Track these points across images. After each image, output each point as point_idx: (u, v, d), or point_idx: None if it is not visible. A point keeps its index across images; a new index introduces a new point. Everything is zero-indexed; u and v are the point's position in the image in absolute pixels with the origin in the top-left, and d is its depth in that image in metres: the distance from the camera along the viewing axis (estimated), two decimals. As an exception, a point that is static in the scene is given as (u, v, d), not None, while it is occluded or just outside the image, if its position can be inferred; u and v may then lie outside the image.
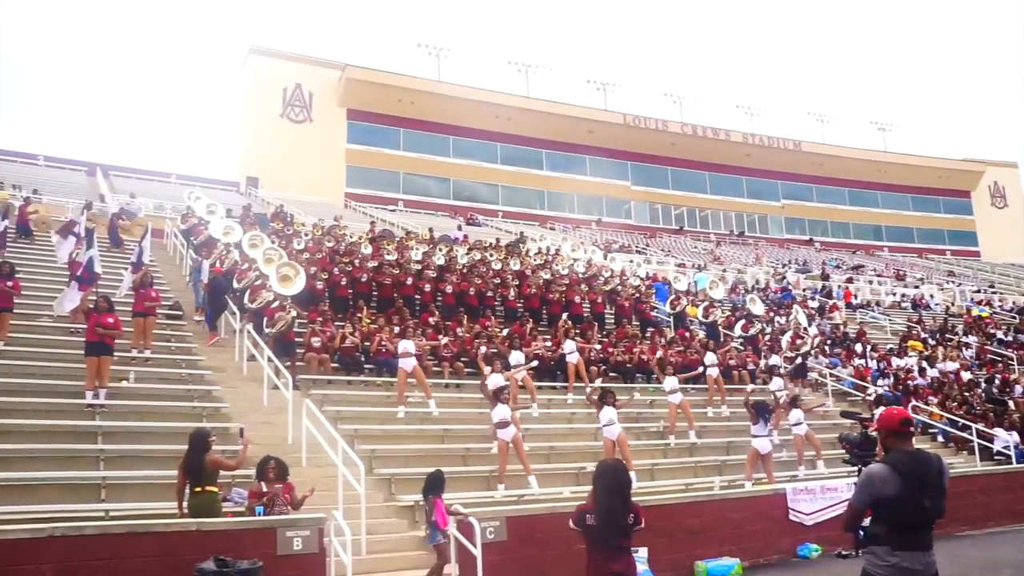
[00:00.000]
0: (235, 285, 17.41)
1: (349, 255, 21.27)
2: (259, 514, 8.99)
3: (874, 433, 12.98)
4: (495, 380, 14.38)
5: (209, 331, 17.05)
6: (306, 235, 23.66)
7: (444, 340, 17.30)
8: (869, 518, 5.13)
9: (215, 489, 9.05)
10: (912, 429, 5.33)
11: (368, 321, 17.74)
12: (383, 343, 16.35)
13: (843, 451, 15.57)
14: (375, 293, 20.25)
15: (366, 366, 16.39)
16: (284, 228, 24.61)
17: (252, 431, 10.70)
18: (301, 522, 8.77)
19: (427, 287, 20.45)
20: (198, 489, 8.86)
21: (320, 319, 16.85)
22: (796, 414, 16.20)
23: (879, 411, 8.14)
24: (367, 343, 16.56)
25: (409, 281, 20.29)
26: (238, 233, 20.75)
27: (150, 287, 15.42)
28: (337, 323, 17.28)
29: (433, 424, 14.45)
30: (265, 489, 9.25)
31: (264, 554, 8.16)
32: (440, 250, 24.05)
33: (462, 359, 17.47)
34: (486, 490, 12.47)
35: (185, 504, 8.86)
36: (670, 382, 16.60)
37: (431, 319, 18.71)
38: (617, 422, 13.78)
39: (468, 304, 20.57)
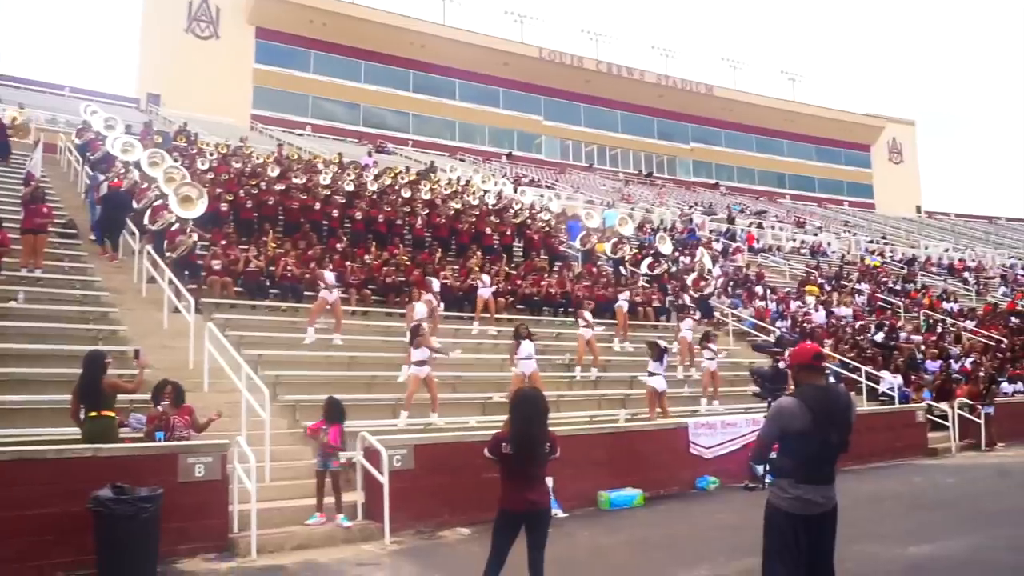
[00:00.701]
0: (134, 205, 16.62)
1: (255, 177, 20.57)
2: (159, 440, 8.67)
3: (785, 367, 13.42)
4: (419, 310, 14.36)
5: (99, 246, 16.30)
6: (211, 155, 22.78)
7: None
8: (775, 453, 5.17)
9: (112, 414, 8.68)
10: (824, 364, 5.37)
11: (274, 245, 17.24)
12: (288, 268, 15.94)
13: (753, 385, 15.99)
14: (281, 217, 19.73)
15: (271, 291, 16.00)
16: (187, 147, 23.63)
17: (151, 355, 10.32)
18: (203, 448, 8.52)
19: (335, 212, 20.03)
20: (94, 413, 8.48)
21: (224, 242, 16.30)
22: (710, 351, 16.67)
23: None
24: (272, 268, 16.12)
25: (317, 206, 19.84)
26: (138, 151, 19.78)
27: (41, 203, 14.58)
28: (241, 246, 16.75)
29: (339, 351, 14.25)
30: (167, 413, 8.92)
31: (165, 481, 7.90)
32: (349, 175, 23.51)
33: (369, 286, 17.23)
34: (391, 418, 12.39)
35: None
36: (583, 320, 16.74)
37: (339, 245, 18.34)
38: (534, 356, 13.79)
39: (377, 231, 20.27)
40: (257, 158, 24.12)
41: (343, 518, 9.14)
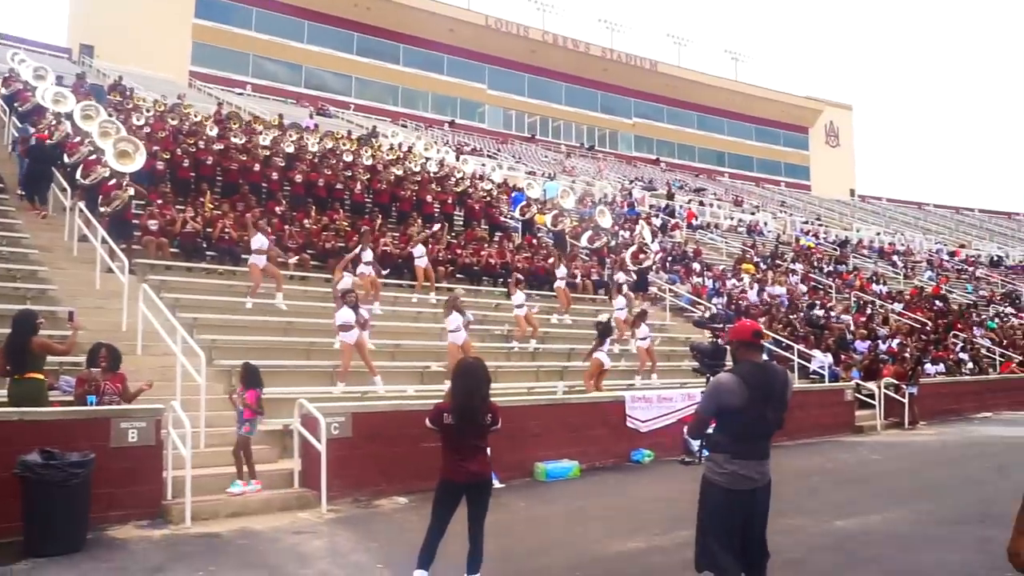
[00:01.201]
0: (66, 160, 16.06)
1: (193, 136, 20.07)
2: (91, 403, 8.44)
3: (724, 343, 13.61)
4: (345, 283, 14.17)
5: (28, 202, 15.75)
6: (147, 111, 22.14)
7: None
8: (713, 426, 5.20)
9: (41, 376, 8.42)
10: (762, 342, 5.40)
11: (211, 206, 16.90)
12: (226, 230, 15.62)
13: (692, 360, 16.20)
14: (219, 178, 19.36)
15: (208, 253, 15.69)
16: (123, 102, 22.91)
17: (83, 316, 10.02)
18: (137, 412, 8.32)
19: (274, 175, 19.73)
20: (19, 376, 8.21)
21: (160, 201, 15.88)
22: (644, 329, 16.83)
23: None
24: (209, 229, 15.80)
25: (256, 167, 19.47)
26: (71, 103, 19.07)
27: (-35, 154, 14.01)
28: (178, 207, 16.35)
29: (276, 316, 14.07)
30: (96, 377, 8.67)
31: (96, 446, 7.70)
32: (290, 137, 23.11)
33: (309, 251, 17.03)
34: (329, 385, 12.30)
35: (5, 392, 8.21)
36: (519, 297, 16.74)
37: (277, 208, 18.06)
38: (464, 329, 13.76)
39: (316, 195, 20.03)
40: (195, 116, 23.50)
41: (252, 484, 9.00)
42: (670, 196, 44.14)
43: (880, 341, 23.59)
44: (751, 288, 26.04)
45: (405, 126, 49.76)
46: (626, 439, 13.12)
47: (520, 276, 17.72)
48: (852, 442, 16.30)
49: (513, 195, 27.44)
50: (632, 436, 13.21)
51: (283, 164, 20.43)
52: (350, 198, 21.17)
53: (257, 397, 9.13)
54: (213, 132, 21.13)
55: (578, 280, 21.06)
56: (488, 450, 6.00)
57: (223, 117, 25.61)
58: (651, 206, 39.70)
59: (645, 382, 16.53)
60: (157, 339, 10.90)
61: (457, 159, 31.82)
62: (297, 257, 16.57)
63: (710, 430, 5.22)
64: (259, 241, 14.35)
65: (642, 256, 23.27)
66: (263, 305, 14.23)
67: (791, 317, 23.10)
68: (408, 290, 17.65)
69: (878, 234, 47.45)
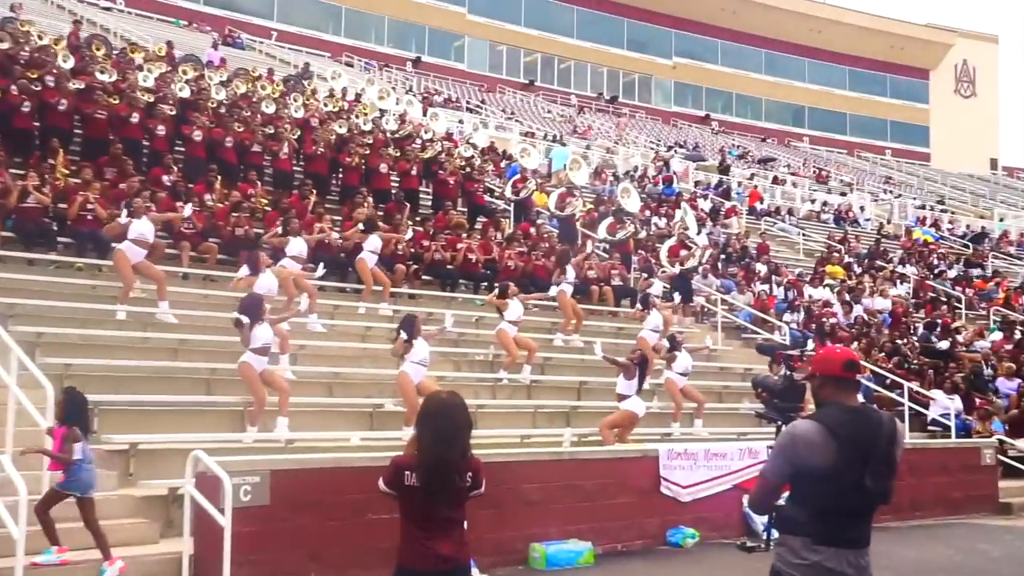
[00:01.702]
0: None
1: (38, 67, 19.93)
2: None
3: (802, 378, 13.50)
4: (265, 283, 14.23)
5: None
6: (-42, 29, 21.99)
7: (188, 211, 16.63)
8: (786, 495, 5.16)
9: None
10: (859, 377, 5.36)
11: (65, 172, 16.81)
12: (89, 206, 15.51)
13: (754, 402, 16.15)
14: (79, 130, 19.29)
15: (60, 240, 15.66)
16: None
17: None
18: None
19: (162, 129, 19.65)
20: None
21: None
22: (685, 360, 16.85)
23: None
24: (63, 205, 15.70)
25: (135, 118, 19.34)
26: None
27: None
28: (13, 171, 16.24)
29: (162, 332, 14.03)
30: None
31: None
32: (184, 75, 23.02)
33: (212, 239, 16.98)
34: (239, 430, 12.25)
35: None
36: (515, 309, 16.71)
37: (166, 177, 18.00)
38: (426, 362, 13.69)
39: (222, 159, 19.99)
40: (40, 38, 23.36)
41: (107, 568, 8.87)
42: (724, 169, 44.26)
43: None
44: (840, 301, 26.05)
45: (351, 65, 49.78)
46: (660, 512, 13.07)
47: (513, 285, 17.64)
48: (995, 526, 16.17)
49: (505, 166, 27.46)
50: (669, 508, 13.15)
51: (174, 114, 20.35)
52: (272, 165, 21.04)
53: (66, 437, 8.87)
54: (68, 64, 20.94)
55: (594, 287, 21.05)
56: (465, 525, 5.93)
57: (82, 42, 25.45)
58: (697, 183, 39.80)
59: (686, 431, 16.50)
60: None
61: (424, 113, 31.81)
62: (194, 248, 16.52)
63: (781, 501, 5.18)
64: (138, 230, 14.20)
65: (684, 253, 23.28)
66: (142, 316, 14.17)
67: (899, 343, 23.11)
68: (353, 296, 17.61)
69: (1032, 223, 47.56)
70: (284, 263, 15.70)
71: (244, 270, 15.17)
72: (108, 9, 45.89)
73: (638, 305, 20.70)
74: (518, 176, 25.71)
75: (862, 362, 21.33)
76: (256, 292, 13.50)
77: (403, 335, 13.41)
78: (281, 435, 12.32)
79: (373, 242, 17.49)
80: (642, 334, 18.17)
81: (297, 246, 16.16)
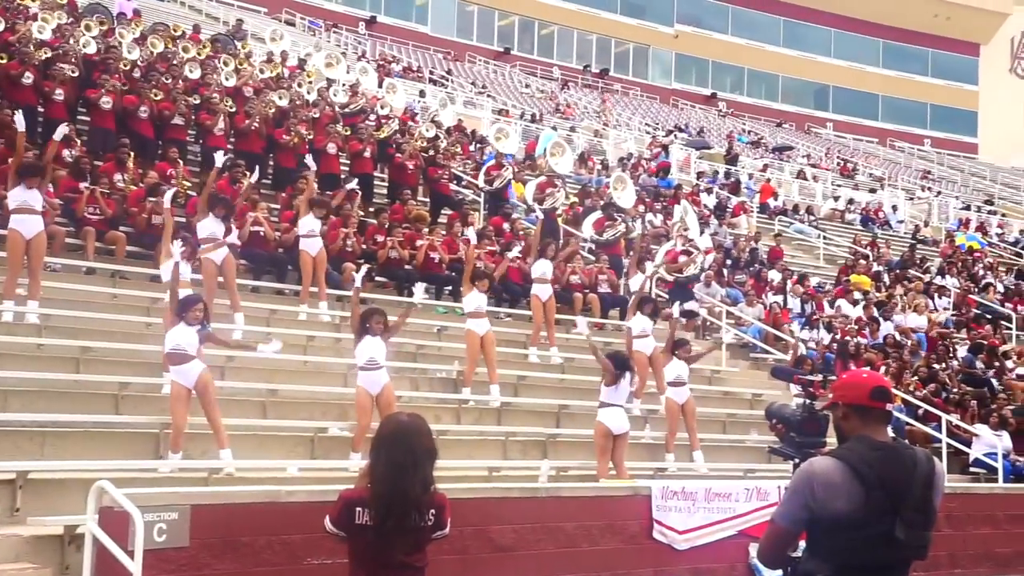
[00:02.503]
0: None
1: None
2: None
3: (823, 409, 13.48)
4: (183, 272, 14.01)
5: None
6: None
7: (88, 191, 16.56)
8: (803, 545, 5.16)
9: None
10: (889, 407, 5.29)
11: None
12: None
13: (769, 433, 16.14)
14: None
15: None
16: None
17: None
18: None
19: (60, 93, 19.64)
20: None
21: None
22: (677, 368, 16.72)
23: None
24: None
25: (28, 78, 19.35)
26: None
27: None
28: None
29: (62, 337, 14.01)
30: None
31: None
32: (89, 30, 22.92)
33: (122, 227, 16.98)
34: (154, 457, 12.18)
35: None
36: (474, 300, 16.65)
37: (66, 151, 17.92)
38: (383, 364, 13.65)
39: (136, 132, 20.01)
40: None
41: None
42: (732, 158, 44.44)
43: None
44: (867, 317, 26.14)
45: (292, 24, 49.72)
46: (653, 560, 13.13)
47: (483, 270, 17.65)
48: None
49: (475, 149, 27.46)
50: (663, 556, 13.20)
51: (76, 75, 20.33)
52: (198, 140, 21.09)
53: None
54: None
55: (578, 293, 21.07)
56: (425, 573, 5.91)
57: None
58: (700, 174, 39.93)
59: (684, 466, 16.51)
60: None
61: (380, 85, 31.79)
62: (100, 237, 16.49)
63: (798, 553, 5.19)
64: (20, 196, 14.12)
65: (684, 258, 23.31)
66: (37, 316, 14.09)
67: (936, 367, 23.20)
68: (292, 299, 17.66)
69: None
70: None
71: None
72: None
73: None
74: (492, 163, 25.71)
75: (893, 390, 21.42)
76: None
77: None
78: (207, 463, 12.26)
79: (308, 223, 17.33)
80: (636, 347, 18.11)
81: (210, 226, 15.77)
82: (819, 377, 18.51)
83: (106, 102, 19.85)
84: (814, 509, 4.88)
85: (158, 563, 9.04)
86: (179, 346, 12.18)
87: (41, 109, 19.50)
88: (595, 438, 14.66)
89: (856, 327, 25.17)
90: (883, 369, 22.60)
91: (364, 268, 15.69)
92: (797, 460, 11.55)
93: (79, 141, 18.82)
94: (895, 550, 4.90)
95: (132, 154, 18.90)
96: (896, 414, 20.62)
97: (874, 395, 5.12)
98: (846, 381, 5.35)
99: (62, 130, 14.95)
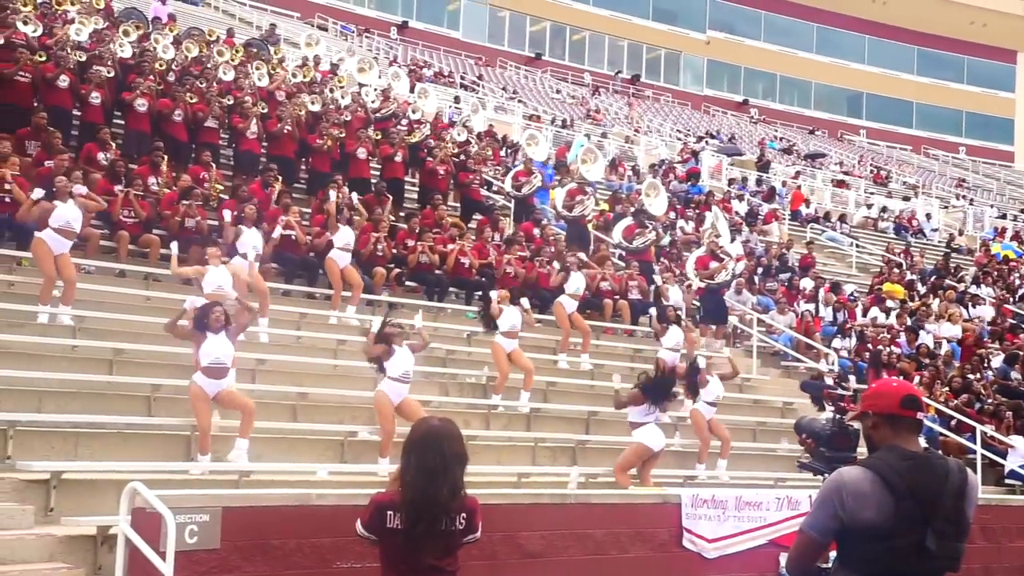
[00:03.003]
0: None
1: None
2: None
3: (852, 417, 13.48)
4: (212, 280, 14.30)
5: None
6: None
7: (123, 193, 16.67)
8: (833, 555, 5.13)
9: None
10: (919, 416, 5.24)
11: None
12: (7, 186, 15.53)
13: (800, 448, 16.13)
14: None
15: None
16: None
17: None
18: None
19: (97, 97, 19.63)
20: None
21: None
22: (715, 386, 16.80)
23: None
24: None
25: (64, 81, 19.37)
26: None
27: None
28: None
29: (96, 339, 14.09)
30: None
31: None
32: (126, 35, 23.04)
33: (156, 230, 17.05)
34: (184, 459, 12.24)
35: None
36: (510, 316, 16.72)
37: (101, 154, 18.02)
38: (407, 377, 13.72)
39: (170, 136, 20.04)
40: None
41: None
42: (764, 165, 44.36)
43: None
44: (900, 326, 26.07)
45: (325, 29, 49.84)
46: (682, 569, 13.08)
47: (505, 291, 17.65)
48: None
49: (506, 155, 27.46)
50: (692, 565, 13.16)
51: (111, 76, 20.33)
52: (231, 144, 21.14)
53: None
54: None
55: (608, 300, 21.10)
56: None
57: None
58: (731, 181, 39.87)
59: (712, 475, 16.55)
60: None
61: (412, 90, 31.85)
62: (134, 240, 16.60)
63: (828, 564, 5.18)
64: (64, 216, 14.24)
65: (714, 265, 23.29)
66: (73, 320, 14.18)
67: (971, 378, 23.12)
68: (323, 303, 17.71)
69: None
70: (236, 260, 15.70)
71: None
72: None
73: (651, 313, 20.82)
74: (521, 168, 25.76)
75: (925, 399, 21.37)
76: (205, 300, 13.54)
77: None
78: (238, 465, 12.24)
79: (344, 236, 17.53)
80: (660, 353, 18.21)
81: (252, 240, 16.14)
82: (851, 392, 18.58)
83: (141, 104, 19.83)
84: (843, 519, 4.85)
85: (189, 564, 9.07)
86: (218, 359, 12.30)
87: (77, 113, 19.51)
88: (628, 456, 14.64)
89: (889, 336, 25.11)
90: (916, 379, 22.56)
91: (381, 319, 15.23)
92: (826, 475, 11.54)
93: (114, 144, 18.85)
94: (926, 561, 4.84)
95: (166, 157, 18.93)
96: (929, 424, 20.61)
97: (904, 404, 5.08)
98: (876, 390, 5.30)
99: (38, 192, 14.63)
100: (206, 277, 14.52)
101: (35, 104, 18.76)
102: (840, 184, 45.50)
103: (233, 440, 12.40)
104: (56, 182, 14.61)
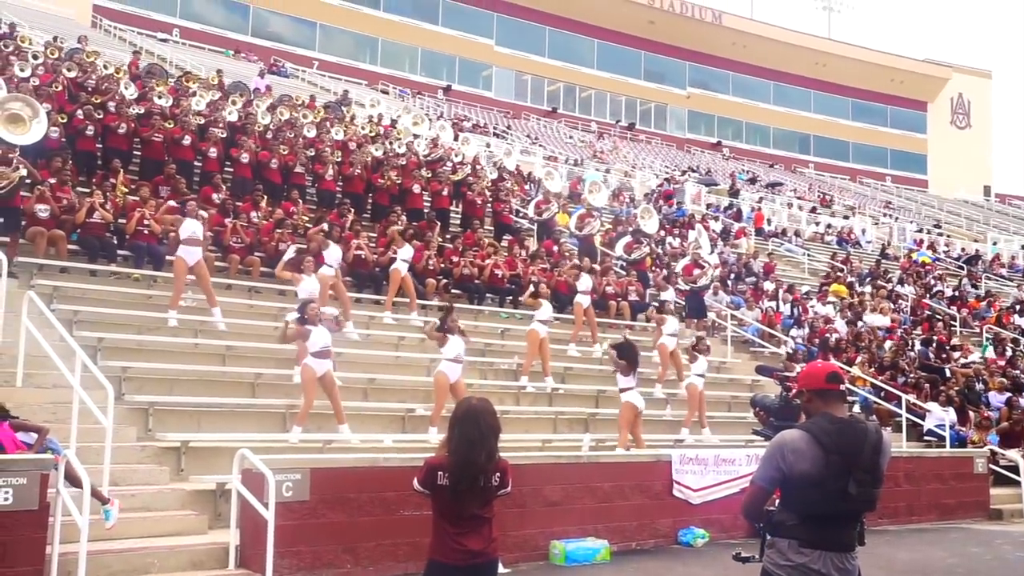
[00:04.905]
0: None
1: (102, 94, 20.16)
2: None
3: (791, 395, 13.53)
4: (307, 287, 14.38)
5: None
6: (35, 57, 22.16)
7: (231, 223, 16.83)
8: (777, 501, 5.15)
9: None
10: (843, 388, 5.27)
11: (125, 190, 16.94)
12: (146, 221, 15.64)
13: (753, 419, 16.17)
14: (138, 152, 19.50)
15: (119, 252, 15.73)
16: (1, 44, 22.98)
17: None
18: (12, 464, 8.19)
19: (213, 151, 19.85)
20: None
21: (53, 180, 15.88)
22: (701, 364, 16.98)
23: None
24: (122, 220, 15.84)
25: (187, 140, 19.55)
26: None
27: None
28: (80, 189, 16.42)
29: (212, 338, 14.16)
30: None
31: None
32: (234, 103, 23.18)
33: (257, 252, 17.10)
34: (281, 431, 12.36)
35: None
36: (546, 311, 16.88)
37: (215, 195, 18.13)
38: (461, 358, 13.85)
39: (268, 180, 20.17)
40: (105, 67, 23.60)
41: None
42: (734, 192, 44.32)
43: (1026, 394, 23.32)
44: (842, 318, 26.01)
45: (386, 92, 50.01)
46: (672, 513, 13.12)
47: (545, 287, 17.83)
48: (986, 531, 16.07)
49: (530, 188, 27.43)
50: (680, 509, 13.21)
51: (224, 136, 20.52)
52: (314, 185, 21.27)
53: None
54: (129, 91, 21.14)
55: (611, 301, 21.08)
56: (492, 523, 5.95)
57: (142, 71, 25.69)
58: (709, 205, 39.86)
59: (697, 437, 16.56)
60: (47, 366, 10.93)
61: (456, 139, 31.97)
62: (241, 261, 16.68)
63: (773, 506, 5.16)
64: (190, 228, 14.42)
65: (697, 272, 23.28)
66: (193, 323, 14.28)
67: (898, 359, 23.05)
68: (383, 308, 17.73)
69: (1023, 247, 47.25)
70: (322, 269, 15.78)
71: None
72: (165, 41, 46.34)
73: (653, 305, 20.86)
74: (541, 198, 25.86)
75: (860, 375, 21.33)
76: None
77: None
78: (323, 435, 12.52)
79: (406, 251, 17.67)
80: (662, 340, 18.22)
81: (335, 253, 16.25)
82: (794, 373, 18.52)
83: (245, 157, 20.03)
84: (785, 471, 4.90)
85: (286, 512, 9.19)
86: (326, 345, 12.49)
87: (198, 164, 19.73)
88: (624, 415, 14.64)
89: (834, 326, 25.11)
90: (859, 359, 22.54)
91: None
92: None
93: (225, 187, 19.01)
94: (849, 503, 4.90)
95: (265, 196, 19.09)
96: (865, 395, 20.61)
97: (829, 379, 5.14)
98: (806, 372, 5.34)
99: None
100: (301, 284, 14.63)
101: (166, 158, 18.92)
102: (793, 206, 45.39)
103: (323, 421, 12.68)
104: (187, 205, 14.90)
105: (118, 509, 8.91)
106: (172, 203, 16.40)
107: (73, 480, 8.36)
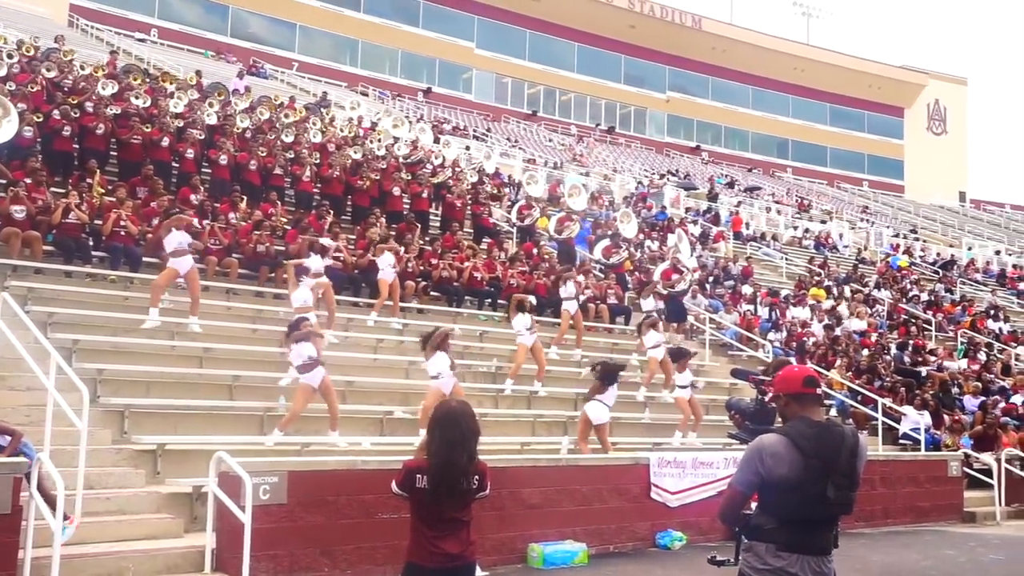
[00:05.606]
0: None
1: (78, 95, 20.07)
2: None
3: (768, 399, 13.51)
4: (300, 296, 14.47)
5: None
6: (9, 56, 22.04)
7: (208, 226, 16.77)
8: (754, 504, 5.15)
9: None
10: (819, 392, 5.29)
11: (101, 191, 16.86)
12: (122, 223, 15.57)
13: (730, 423, 16.19)
14: (114, 153, 19.49)
15: (94, 253, 15.66)
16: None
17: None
18: (-13, 467, 8.17)
19: (190, 152, 19.81)
20: None
21: (29, 180, 15.80)
22: (686, 374, 16.91)
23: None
24: (99, 221, 15.77)
25: (165, 141, 19.54)
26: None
27: None
28: (55, 189, 16.34)
29: (189, 340, 14.13)
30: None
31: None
32: (212, 105, 23.10)
33: (235, 255, 17.06)
34: (259, 434, 12.33)
35: None
36: (522, 321, 16.78)
37: (193, 196, 18.05)
38: (452, 373, 13.72)
39: (247, 181, 20.12)
40: (82, 68, 23.49)
41: None
42: (713, 197, 44.41)
43: (999, 397, 23.43)
44: (819, 321, 26.09)
45: (366, 94, 49.94)
46: (650, 516, 13.12)
47: (532, 299, 17.74)
48: (960, 533, 16.19)
49: (511, 191, 27.48)
50: (658, 512, 13.21)
51: (202, 138, 20.51)
52: (293, 186, 21.26)
53: None
54: (107, 91, 21.07)
55: (591, 304, 21.08)
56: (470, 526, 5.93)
57: (119, 71, 25.59)
58: (688, 209, 39.93)
59: (685, 441, 16.60)
60: (21, 368, 10.91)
61: (435, 141, 31.97)
62: (218, 263, 16.61)
63: (751, 510, 5.16)
64: (175, 239, 14.39)
65: (676, 276, 23.32)
66: (170, 325, 14.23)
67: (874, 362, 23.14)
68: (364, 310, 17.72)
69: (997, 253, 47.46)
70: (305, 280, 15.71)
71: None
72: (143, 41, 46.12)
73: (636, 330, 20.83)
74: (523, 203, 25.89)
75: (837, 379, 21.40)
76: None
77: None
78: (300, 438, 12.44)
79: (387, 258, 17.65)
80: (650, 354, 18.21)
81: (316, 264, 16.18)
82: (770, 378, 18.55)
83: (223, 159, 20.04)
84: (763, 475, 4.91)
85: (263, 515, 9.17)
86: (311, 357, 12.42)
87: (175, 165, 19.71)
88: (580, 425, 14.45)
89: (811, 330, 25.20)
90: (838, 362, 22.61)
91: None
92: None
93: (203, 188, 18.93)
94: (827, 507, 4.93)
95: (243, 198, 19.07)
96: (842, 398, 20.68)
97: (805, 383, 5.16)
98: (782, 376, 5.33)
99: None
100: (295, 292, 14.72)
101: (143, 159, 18.83)
102: (771, 211, 45.52)
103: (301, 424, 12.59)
104: (174, 216, 14.78)
105: (74, 529, 8.79)
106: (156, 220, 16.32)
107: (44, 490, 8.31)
